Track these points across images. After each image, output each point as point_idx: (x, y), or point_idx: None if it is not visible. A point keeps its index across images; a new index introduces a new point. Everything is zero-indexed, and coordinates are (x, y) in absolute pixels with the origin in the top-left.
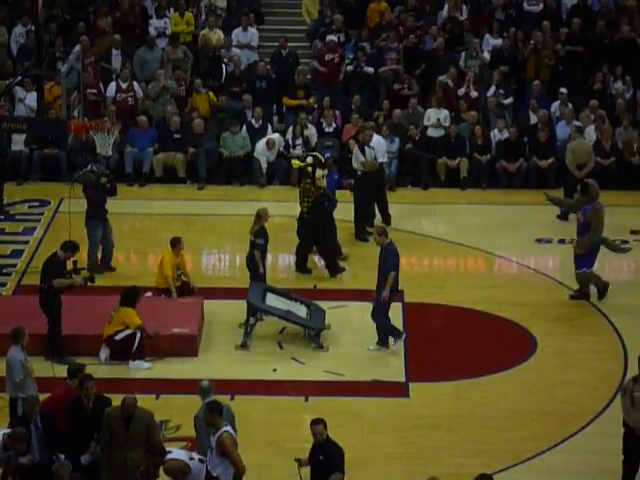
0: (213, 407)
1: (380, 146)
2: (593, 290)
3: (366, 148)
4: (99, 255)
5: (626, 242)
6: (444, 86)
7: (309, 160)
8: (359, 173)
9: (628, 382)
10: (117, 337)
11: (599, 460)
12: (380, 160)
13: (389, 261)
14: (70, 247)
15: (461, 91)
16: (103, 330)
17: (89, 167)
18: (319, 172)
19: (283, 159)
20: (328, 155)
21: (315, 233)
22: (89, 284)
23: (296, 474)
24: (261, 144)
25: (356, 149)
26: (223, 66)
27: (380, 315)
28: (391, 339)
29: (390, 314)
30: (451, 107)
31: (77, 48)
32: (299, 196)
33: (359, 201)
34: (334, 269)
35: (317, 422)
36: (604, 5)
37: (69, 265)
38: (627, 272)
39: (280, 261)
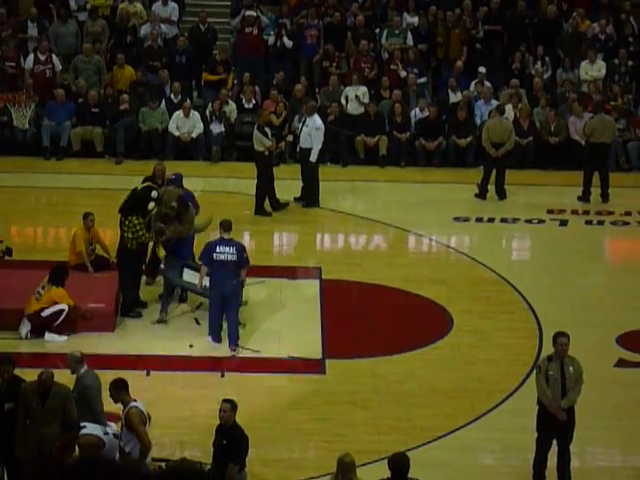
0: (118, 384)
1: (321, 125)
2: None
3: (267, 130)
4: None
5: (543, 221)
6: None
7: (154, 195)
8: (266, 154)
9: (543, 360)
10: (44, 313)
11: (513, 437)
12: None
13: None
14: None
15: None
16: (26, 305)
17: None
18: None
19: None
20: (174, 177)
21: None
22: (7, 257)
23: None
24: (176, 114)
25: (258, 134)
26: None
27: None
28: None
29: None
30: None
31: None
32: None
33: (263, 178)
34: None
35: (226, 401)
36: None
37: None
38: (542, 251)
39: None
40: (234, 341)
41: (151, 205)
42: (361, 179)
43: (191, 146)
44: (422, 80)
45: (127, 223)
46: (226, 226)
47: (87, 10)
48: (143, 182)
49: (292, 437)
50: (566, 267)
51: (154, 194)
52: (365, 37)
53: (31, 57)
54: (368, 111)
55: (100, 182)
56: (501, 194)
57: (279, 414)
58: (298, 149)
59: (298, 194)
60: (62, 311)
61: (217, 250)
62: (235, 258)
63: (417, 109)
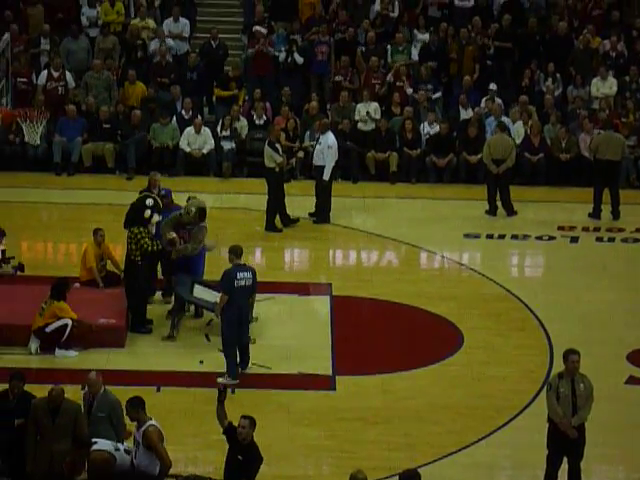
0: (135, 402)
1: (333, 142)
2: None
3: (277, 146)
4: None
5: (553, 238)
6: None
7: (149, 202)
8: (277, 170)
9: (553, 378)
10: (48, 329)
11: (523, 454)
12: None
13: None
14: None
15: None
16: (33, 321)
17: None
18: (155, 217)
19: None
20: (164, 192)
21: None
22: (19, 273)
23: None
24: (188, 130)
25: (269, 150)
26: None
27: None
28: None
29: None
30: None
31: (6, 36)
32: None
33: (273, 194)
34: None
35: (245, 417)
36: (534, 2)
37: None
38: (553, 268)
39: None
40: (247, 364)
41: (147, 213)
42: (372, 195)
43: (202, 162)
44: (437, 95)
45: (129, 234)
46: (238, 252)
47: (98, 26)
48: (140, 194)
49: (302, 454)
50: (577, 284)
51: (149, 202)
52: (376, 53)
53: (44, 74)
54: (379, 127)
55: (111, 198)
56: (509, 210)
57: (289, 430)
58: (313, 167)
59: (312, 210)
60: (66, 325)
61: (238, 277)
62: (251, 283)
63: (426, 123)
